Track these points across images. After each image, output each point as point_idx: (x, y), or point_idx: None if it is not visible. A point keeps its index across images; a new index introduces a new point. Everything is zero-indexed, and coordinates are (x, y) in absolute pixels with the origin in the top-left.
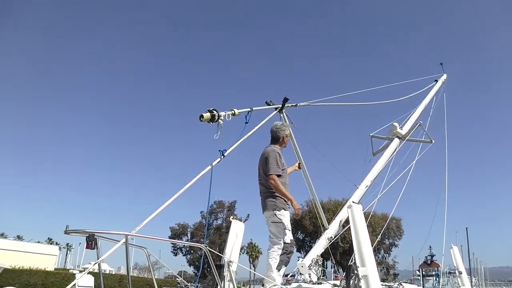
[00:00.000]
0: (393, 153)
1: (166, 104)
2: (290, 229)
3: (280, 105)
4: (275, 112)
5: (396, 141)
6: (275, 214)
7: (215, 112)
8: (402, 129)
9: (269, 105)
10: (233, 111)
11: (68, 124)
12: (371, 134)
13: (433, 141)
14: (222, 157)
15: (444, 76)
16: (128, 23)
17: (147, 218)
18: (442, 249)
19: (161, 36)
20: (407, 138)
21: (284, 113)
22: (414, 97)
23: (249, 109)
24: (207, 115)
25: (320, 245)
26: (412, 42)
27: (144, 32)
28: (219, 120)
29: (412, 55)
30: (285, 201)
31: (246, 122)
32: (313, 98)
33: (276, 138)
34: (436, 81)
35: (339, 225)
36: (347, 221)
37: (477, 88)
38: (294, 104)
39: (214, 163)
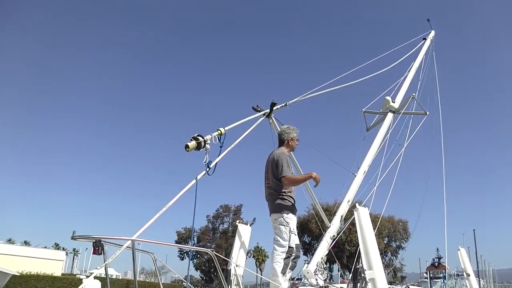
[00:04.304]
0: (389, 128)
1: (171, 108)
2: (296, 233)
3: (268, 110)
4: (263, 118)
5: (389, 115)
6: (282, 217)
7: (200, 138)
8: (394, 102)
9: (256, 110)
10: (219, 131)
11: (74, 128)
12: (363, 110)
13: (428, 113)
14: (208, 169)
15: (432, 33)
16: (123, 28)
17: (141, 228)
18: (445, 249)
19: (153, 42)
20: (402, 112)
21: (273, 118)
22: (404, 62)
23: (223, 129)
24: (192, 144)
25: (323, 247)
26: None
27: (135, 37)
28: (206, 145)
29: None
30: (293, 204)
31: (220, 146)
32: (302, 91)
33: (281, 141)
34: (425, 39)
35: (340, 221)
36: (347, 215)
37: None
38: (284, 104)
39: (199, 177)
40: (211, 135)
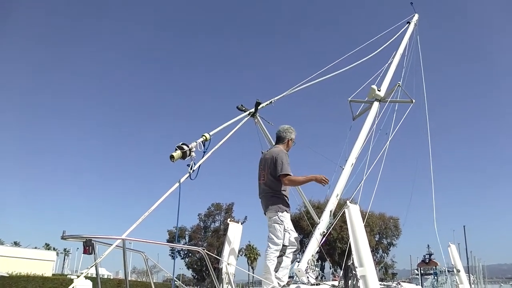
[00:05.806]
0: (375, 118)
1: (170, 108)
2: (293, 229)
3: (253, 110)
4: (248, 117)
5: (376, 104)
6: (277, 215)
7: (185, 147)
8: (380, 90)
9: (241, 110)
10: (204, 137)
11: (67, 129)
12: (349, 99)
13: (414, 101)
14: (191, 171)
15: (416, 17)
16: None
17: (130, 227)
18: (439, 246)
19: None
20: (388, 100)
21: (258, 117)
22: (389, 48)
23: (208, 134)
24: (177, 153)
25: (313, 244)
26: None
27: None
28: (192, 153)
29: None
30: (287, 202)
31: (204, 152)
32: (288, 86)
33: (281, 139)
34: (409, 23)
35: (329, 216)
36: (336, 210)
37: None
38: (269, 102)
39: (182, 180)
40: (196, 142)
